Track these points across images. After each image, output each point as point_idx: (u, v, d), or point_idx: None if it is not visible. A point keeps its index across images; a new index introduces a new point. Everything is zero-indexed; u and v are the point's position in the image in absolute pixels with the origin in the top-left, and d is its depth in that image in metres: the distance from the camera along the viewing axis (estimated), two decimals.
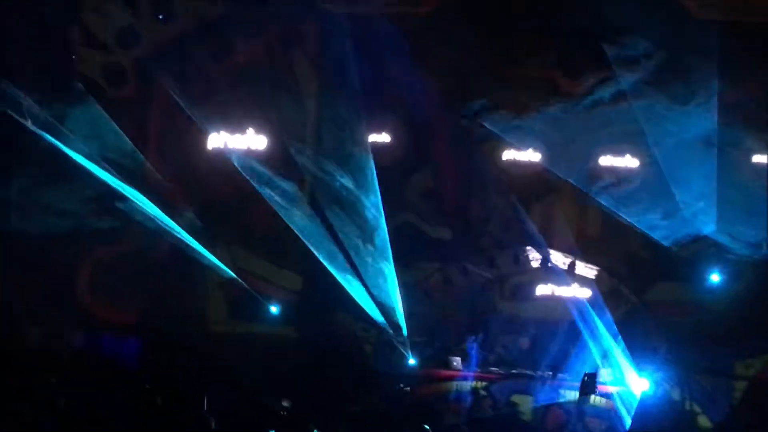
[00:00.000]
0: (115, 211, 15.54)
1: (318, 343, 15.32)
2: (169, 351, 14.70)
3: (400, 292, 15.67)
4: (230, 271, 15.81)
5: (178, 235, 15.50)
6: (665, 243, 15.77)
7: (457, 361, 15.67)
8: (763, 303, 14.82)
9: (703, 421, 14.97)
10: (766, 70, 14.98)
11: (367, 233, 15.69)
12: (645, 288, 16.08)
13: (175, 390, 12.67)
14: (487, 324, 16.35)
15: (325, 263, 15.42)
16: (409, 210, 16.39)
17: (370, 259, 15.58)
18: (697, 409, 14.94)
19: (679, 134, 15.72)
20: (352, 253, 15.48)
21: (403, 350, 15.53)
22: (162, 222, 15.49)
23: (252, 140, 15.95)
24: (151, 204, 15.41)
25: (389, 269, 15.56)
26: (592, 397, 14.15)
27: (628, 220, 15.99)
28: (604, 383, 15.26)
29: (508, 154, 16.18)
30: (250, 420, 12.85)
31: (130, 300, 15.58)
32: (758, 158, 15.62)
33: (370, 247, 15.65)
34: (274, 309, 15.92)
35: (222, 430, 11.70)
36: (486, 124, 16.09)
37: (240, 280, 15.85)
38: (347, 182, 15.68)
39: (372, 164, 15.84)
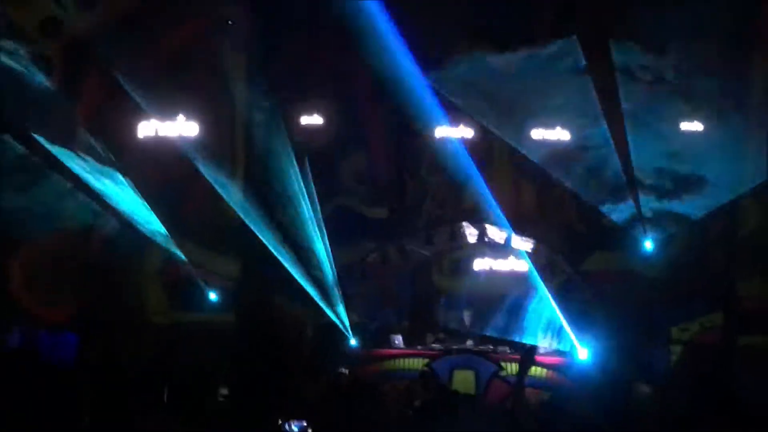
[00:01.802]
0: (46, 199, 15.21)
1: (258, 328, 15.26)
2: (107, 345, 14.51)
3: (337, 275, 15.66)
4: (167, 260, 15.65)
5: (111, 227, 15.28)
6: (604, 214, 15.90)
7: (398, 339, 15.77)
8: (695, 268, 15.08)
9: (643, 386, 15.15)
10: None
11: (301, 217, 15.59)
12: (581, 258, 16.26)
13: (116, 384, 12.66)
14: (426, 301, 16.50)
15: (262, 248, 15.31)
16: (344, 192, 16.41)
17: (305, 243, 15.50)
18: (636, 375, 15.11)
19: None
20: (287, 238, 15.38)
21: (343, 331, 15.54)
22: (95, 213, 15.26)
23: (184, 127, 15.74)
24: (84, 192, 15.15)
25: (324, 252, 15.52)
26: (533, 368, 14.27)
27: (565, 191, 16.16)
28: (544, 354, 15.50)
29: (442, 131, 16.21)
30: (192, 409, 12.86)
31: (63, 293, 15.31)
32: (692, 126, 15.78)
33: (305, 231, 15.56)
34: (213, 296, 15.79)
35: (165, 420, 11.66)
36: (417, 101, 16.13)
37: (178, 268, 15.70)
38: (280, 166, 15.52)
39: (304, 148, 15.82)
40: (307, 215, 15.51)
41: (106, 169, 15.35)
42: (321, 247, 15.49)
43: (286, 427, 12.45)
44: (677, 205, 15.64)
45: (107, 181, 15.41)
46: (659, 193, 15.71)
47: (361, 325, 15.87)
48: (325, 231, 15.62)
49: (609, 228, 15.94)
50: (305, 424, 11.57)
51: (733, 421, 11.98)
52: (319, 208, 15.70)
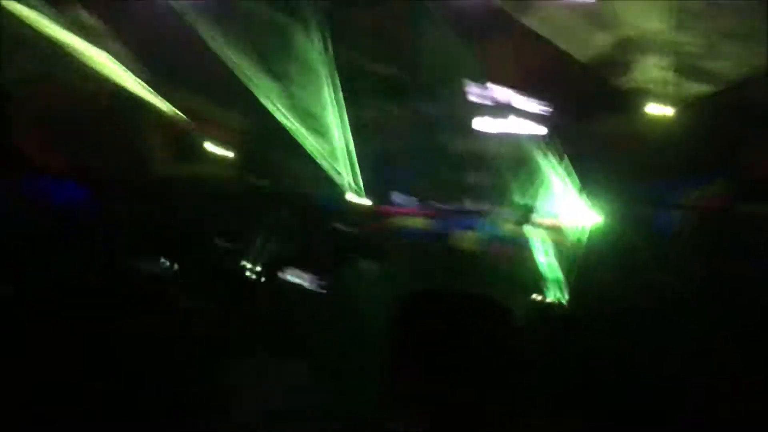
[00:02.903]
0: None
1: (270, 184, 15.27)
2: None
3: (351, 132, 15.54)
4: (173, 111, 15.45)
5: (116, 75, 14.99)
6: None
7: (404, 198, 15.82)
8: (703, 137, 14.91)
9: (651, 252, 15.23)
10: None
11: (315, 76, 15.28)
12: (590, 121, 16.04)
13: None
14: (432, 160, 16.46)
15: (271, 105, 15.11)
16: (354, 48, 15.90)
17: (318, 103, 15.28)
18: (646, 241, 15.18)
19: None
20: (298, 95, 15.14)
21: (353, 188, 15.53)
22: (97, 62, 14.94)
23: None
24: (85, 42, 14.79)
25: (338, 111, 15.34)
26: (534, 229, 14.33)
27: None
28: (551, 216, 15.56)
29: None
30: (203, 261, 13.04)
31: (65, 142, 15.09)
32: None
33: (318, 89, 15.29)
34: (220, 150, 15.70)
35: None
36: None
37: (185, 120, 15.53)
38: (291, 21, 15.09)
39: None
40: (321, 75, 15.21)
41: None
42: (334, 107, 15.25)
43: None
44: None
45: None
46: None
47: (369, 183, 15.85)
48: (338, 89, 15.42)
49: (620, 90, 15.63)
50: None
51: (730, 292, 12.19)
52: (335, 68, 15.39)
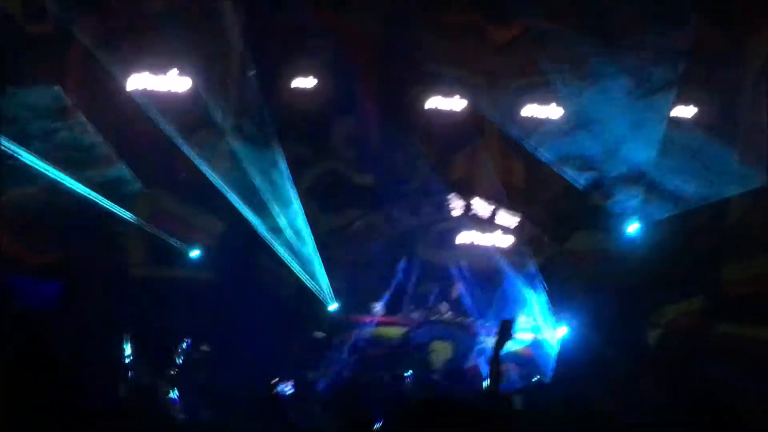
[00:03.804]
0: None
1: (240, 287, 15.20)
2: (90, 294, 14.42)
3: (322, 239, 15.63)
4: (151, 215, 15.54)
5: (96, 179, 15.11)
6: (590, 194, 15.84)
7: (378, 307, 15.77)
8: (676, 254, 15.06)
9: (620, 366, 15.16)
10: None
11: (284, 181, 15.45)
12: (565, 236, 16.28)
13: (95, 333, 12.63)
14: (408, 270, 16.50)
15: (245, 209, 15.22)
16: (333, 156, 16.26)
17: (285, 209, 15.40)
18: (613, 355, 15.11)
19: (606, 83, 15.84)
20: (270, 201, 15.26)
21: (324, 296, 15.52)
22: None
23: (174, 82, 15.58)
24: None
25: (303, 217, 15.48)
26: (509, 343, 14.22)
27: (552, 168, 16.13)
28: (523, 330, 15.54)
29: (434, 101, 16.12)
30: (170, 362, 12.87)
31: (46, 243, 15.15)
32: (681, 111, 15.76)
33: (286, 195, 15.44)
34: (195, 253, 15.73)
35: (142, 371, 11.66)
36: (413, 70, 16.06)
37: (161, 222, 15.60)
38: (262, 129, 15.32)
39: (293, 112, 15.73)
40: (287, 181, 15.38)
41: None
42: (301, 212, 15.37)
43: (279, 387, 12.58)
44: (666, 194, 15.57)
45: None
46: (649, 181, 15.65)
47: (341, 291, 15.86)
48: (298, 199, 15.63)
49: (594, 208, 15.87)
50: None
51: (705, 409, 12.12)
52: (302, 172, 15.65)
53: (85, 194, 14.86)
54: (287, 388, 12.51)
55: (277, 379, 12.29)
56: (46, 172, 14.52)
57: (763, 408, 12.99)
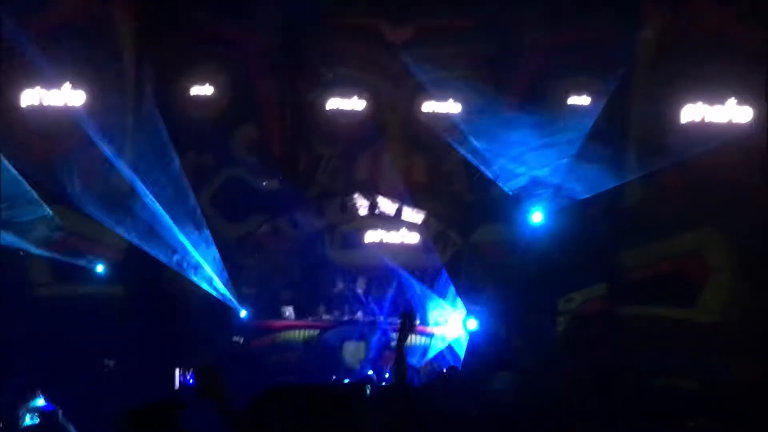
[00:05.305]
0: None
1: (145, 300, 15.03)
2: None
3: (228, 246, 15.56)
4: (54, 231, 15.26)
5: None
6: (494, 184, 15.95)
7: (289, 311, 15.75)
8: (579, 241, 15.33)
9: (529, 355, 15.41)
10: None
11: (185, 191, 15.30)
12: (470, 230, 16.41)
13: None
14: (317, 273, 16.51)
15: (150, 222, 15.05)
16: (236, 164, 16.18)
17: (188, 217, 15.26)
18: (522, 344, 15.36)
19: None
20: (172, 212, 15.09)
21: (233, 303, 15.44)
22: None
23: (69, 96, 15.35)
24: None
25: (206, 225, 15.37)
26: (412, 336, 14.34)
27: (454, 163, 16.28)
28: (433, 324, 15.71)
29: (334, 103, 16.17)
30: (78, 382, 12.63)
31: None
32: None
33: (188, 205, 15.30)
34: (100, 268, 15.50)
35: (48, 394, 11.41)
36: (312, 73, 16.09)
37: (64, 239, 15.33)
38: (166, 139, 15.16)
39: (192, 121, 15.64)
40: (190, 189, 15.26)
41: None
42: (203, 223, 15.29)
43: (182, 377, 12.41)
44: (565, 183, 15.81)
45: None
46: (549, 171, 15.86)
47: (251, 297, 15.80)
48: (210, 204, 15.57)
49: (498, 199, 16.01)
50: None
51: (610, 391, 12.44)
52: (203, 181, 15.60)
53: None
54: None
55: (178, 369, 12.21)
56: None
57: (667, 375, 13.48)
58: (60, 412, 9.46)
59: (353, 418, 3.70)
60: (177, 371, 13.34)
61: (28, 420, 10.10)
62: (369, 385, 10.48)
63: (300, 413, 3.63)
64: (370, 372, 13.73)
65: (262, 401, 3.70)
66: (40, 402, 10.44)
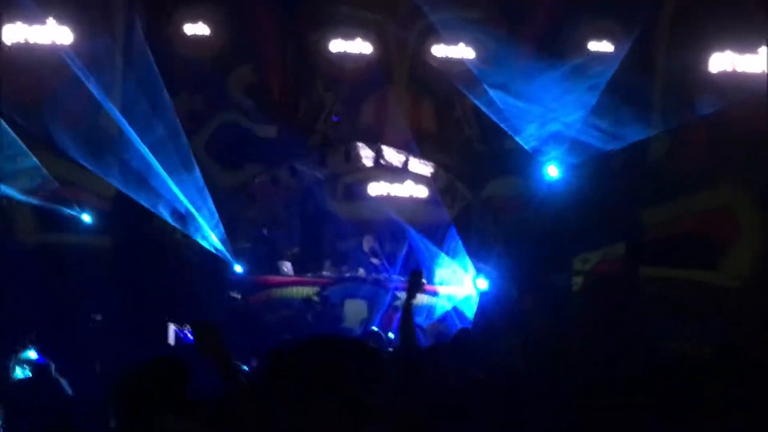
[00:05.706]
0: None
1: (135, 251, 14.30)
2: None
3: (221, 197, 14.74)
4: (39, 181, 14.49)
5: None
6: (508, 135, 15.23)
7: (287, 266, 15.07)
8: (597, 198, 14.66)
9: (542, 316, 14.83)
10: None
11: (177, 136, 14.49)
12: (481, 183, 15.70)
13: None
14: (318, 226, 15.79)
15: (140, 169, 14.24)
16: (232, 108, 15.35)
17: (181, 164, 14.45)
18: (535, 305, 14.76)
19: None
20: (163, 159, 14.28)
21: (227, 257, 14.69)
22: None
23: (55, 33, 14.47)
24: None
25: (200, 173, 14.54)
26: (420, 296, 13.68)
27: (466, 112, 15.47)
28: (440, 283, 14.99)
29: (338, 45, 15.27)
30: (66, 335, 12.15)
31: None
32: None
33: (181, 151, 14.49)
34: (86, 217, 14.71)
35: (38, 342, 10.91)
36: (315, 12, 15.25)
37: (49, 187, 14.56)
38: (158, 80, 14.33)
39: (185, 61, 14.83)
40: (183, 135, 14.41)
41: None
42: (197, 170, 14.45)
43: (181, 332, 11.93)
44: (584, 135, 15.07)
45: None
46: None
47: (247, 251, 15.06)
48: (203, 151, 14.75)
49: (511, 151, 15.26)
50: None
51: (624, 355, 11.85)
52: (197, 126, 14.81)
53: None
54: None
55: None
56: None
57: (683, 341, 12.88)
58: (53, 366, 9.26)
59: (382, 372, 3.45)
60: (171, 327, 12.89)
61: (20, 373, 9.89)
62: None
63: (329, 369, 3.34)
64: (375, 328, 13.10)
65: (284, 359, 3.43)
66: (32, 354, 10.14)
